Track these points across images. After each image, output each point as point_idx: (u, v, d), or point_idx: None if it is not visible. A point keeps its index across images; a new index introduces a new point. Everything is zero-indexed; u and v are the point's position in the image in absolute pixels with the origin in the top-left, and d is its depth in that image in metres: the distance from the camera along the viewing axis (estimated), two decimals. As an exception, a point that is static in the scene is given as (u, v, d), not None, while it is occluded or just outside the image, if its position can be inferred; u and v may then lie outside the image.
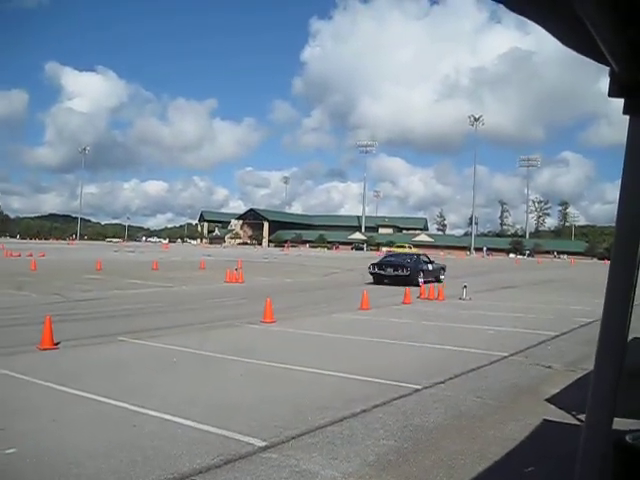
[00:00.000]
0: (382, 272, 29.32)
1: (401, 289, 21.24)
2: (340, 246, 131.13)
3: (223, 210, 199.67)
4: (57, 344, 10.57)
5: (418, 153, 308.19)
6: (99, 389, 7.54)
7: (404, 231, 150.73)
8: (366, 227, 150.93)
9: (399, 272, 28.90)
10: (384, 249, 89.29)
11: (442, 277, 32.22)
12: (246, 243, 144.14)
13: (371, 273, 29.84)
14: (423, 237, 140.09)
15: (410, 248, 73.08)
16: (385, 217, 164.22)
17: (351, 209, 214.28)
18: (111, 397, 7.16)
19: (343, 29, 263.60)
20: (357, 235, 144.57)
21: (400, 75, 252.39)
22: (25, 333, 11.96)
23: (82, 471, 4.95)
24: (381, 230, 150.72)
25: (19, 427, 6.05)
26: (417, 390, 8.00)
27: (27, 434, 5.85)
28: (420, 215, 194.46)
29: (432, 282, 28.26)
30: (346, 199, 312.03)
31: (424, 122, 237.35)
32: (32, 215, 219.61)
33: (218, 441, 5.73)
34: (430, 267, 31.20)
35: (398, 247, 75.32)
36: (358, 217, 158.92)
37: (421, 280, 28.51)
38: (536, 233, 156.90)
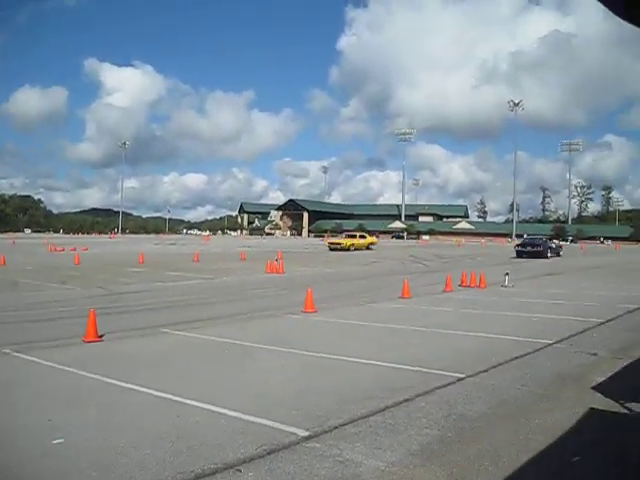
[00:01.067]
0: (524, 249, 43.58)
1: (442, 278, 21.07)
2: (380, 235, 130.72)
3: (263, 201, 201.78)
4: (101, 336, 10.75)
5: (457, 140, 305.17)
6: (143, 380, 7.64)
7: (444, 219, 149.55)
8: (406, 216, 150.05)
9: (535, 249, 43.17)
10: (424, 237, 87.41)
11: (561, 253, 47.37)
12: (269, 234, 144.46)
13: (516, 251, 44.16)
14: (464, 225, 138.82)
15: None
16: (425, 205, 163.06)
17: (390, 198, 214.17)
18: (155, 388, 7.25)
19: (379, 17, 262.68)
20: (397, 224, 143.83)
21: (437, 62, 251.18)
22: (70, 326, 12.19)
23: (128, 460, 5.02)
24: (421, 218, 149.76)
25: (65, 418, 6.16)
26: (460, 379, 7.91)
27: (73, 425, 5.95)
28: (460, 202, 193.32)
29: (554, 256, 44.58)
30: (385, 188, 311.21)
31: (463, 108, 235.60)
32: (75, 210, 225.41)
33: (261, 431, 5.75)
34: (554, 245, 47.94)
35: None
36: (398, 206, 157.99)
37: (549, 254, 43.49)
38: (579, 219, 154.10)
